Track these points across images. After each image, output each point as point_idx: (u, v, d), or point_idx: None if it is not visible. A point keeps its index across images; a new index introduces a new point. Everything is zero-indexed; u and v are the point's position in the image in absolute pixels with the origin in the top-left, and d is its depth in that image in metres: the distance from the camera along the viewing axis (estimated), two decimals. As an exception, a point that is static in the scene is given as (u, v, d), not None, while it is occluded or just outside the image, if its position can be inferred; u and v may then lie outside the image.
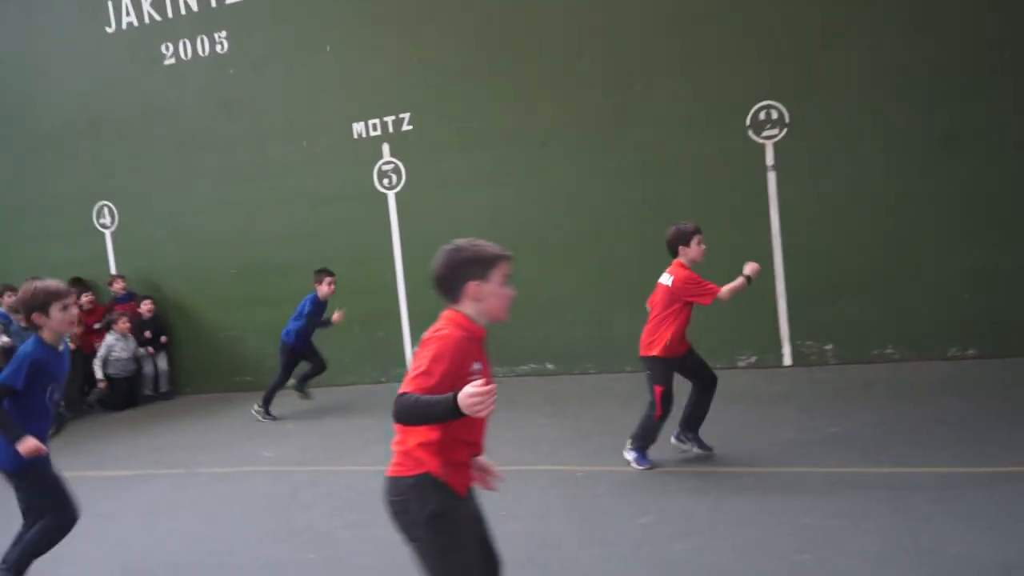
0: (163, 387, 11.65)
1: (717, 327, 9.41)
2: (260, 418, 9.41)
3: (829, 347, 9.17)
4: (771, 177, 9.19)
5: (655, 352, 6.17)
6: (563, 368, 10.14)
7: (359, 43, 10.52)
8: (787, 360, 9.32)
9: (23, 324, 4.88)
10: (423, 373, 2.89)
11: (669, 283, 6.23)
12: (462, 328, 3.03)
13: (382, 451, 6.87)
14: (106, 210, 12.09)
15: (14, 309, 7.88)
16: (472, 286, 3.08)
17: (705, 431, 6.57)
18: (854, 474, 5.66)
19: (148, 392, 11.52)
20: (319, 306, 9.27)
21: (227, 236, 11.38)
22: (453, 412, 2.75)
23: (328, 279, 9.21)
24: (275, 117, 10.94)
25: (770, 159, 9.17)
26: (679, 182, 9.43)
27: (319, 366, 9.58)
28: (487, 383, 2.76)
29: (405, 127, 10.45)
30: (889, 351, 8.93)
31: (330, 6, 10.60)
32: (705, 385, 6.40)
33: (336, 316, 9.32)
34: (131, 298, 11.71)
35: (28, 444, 4.40)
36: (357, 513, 5.89)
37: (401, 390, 2.88)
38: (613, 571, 4.62)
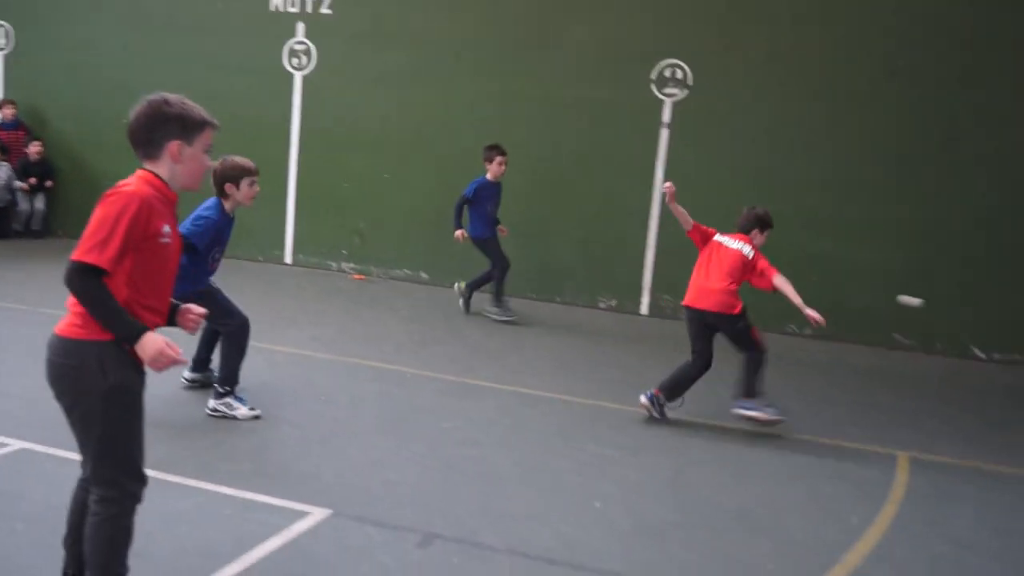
0: (35, 226, 11.46)
1: (584, 269, 9.82)
2: (499, 318, 8.66)
3: (684, 304, 9.63)
4: (664, 134, 9.48)
5: (737, 311, 5.95)
6: (435, 279, 10.38)
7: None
8: (644, 310, 9.76)
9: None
10: (101, 242, 2.72)
11: (750, 256, 6.08)
12: (153, 187, 2.90)
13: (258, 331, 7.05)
14: (1, 30, 11.64)
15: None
16: (175, 145, 2.93)
17: (536, 354, 6.94)
18: (653, 422, 6.10)
19: (18, 228, 11.32)
20: (489, 190, 8.50)
21: (124, 84, 11.05)
22: (128, 341, 2.74)
23: (499, 158, 8.36)
24: (192, -29, 10.66)
25: (666, 116, 9.45)
26: (578, 121, 9.64)
27: (499, 267, 8.60)
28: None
29: (324, 10, 10.33)
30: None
31: None
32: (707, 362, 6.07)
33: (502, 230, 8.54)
34: (17, 126, 11.41)
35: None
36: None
37: (77, 258, 2.71)
38: (402, 462, 4.95)
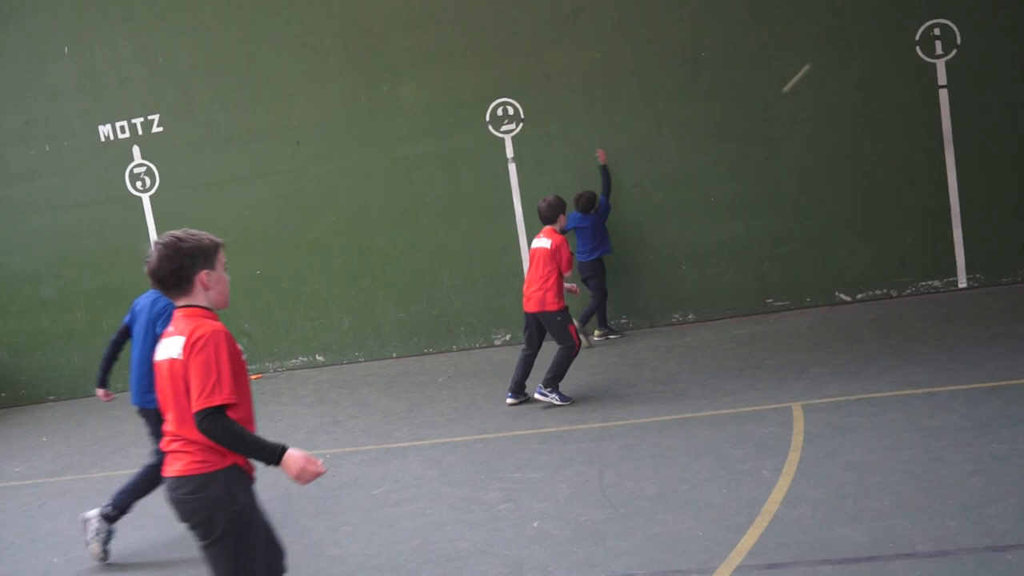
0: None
1: (472, 310, 10.12)
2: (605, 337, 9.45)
3: (574, 321, 10.03)
4: (512, 168, 9.93)
5: (553, 308, 7.10)
6: (332, 359, 10.47)
7: (100, 43, 10.31)
8: (536, 336, 10.10)
9: None
10: (216, 382, 2.96)
11: (548, 246, 7.13)
12: (214, 318, 3.14)
13: (136, 454, 6.97)
14: None
15: None
16: (203, 275, 3.15)
17: (447, 404, 7.19)
18: (565, 432, 6.42)
19: None
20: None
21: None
22: (274, 462, 3.03)
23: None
24: (12, 121, 10.52)
25: (510, 151, 9.91)
26: (429, 175, 9.99)
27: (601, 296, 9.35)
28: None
29: (156, 128, 10.38)
30: (623, 321, 9.92)
31: (66, 7, 10.30)
32: (535, 352, 7.37)
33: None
34: None
35: None
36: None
37: (205, 405, 2.94)
38: (341, 537, 5.08)
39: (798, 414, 6.03)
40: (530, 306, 7.27)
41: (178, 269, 3.12)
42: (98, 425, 9.19)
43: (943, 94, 9.17)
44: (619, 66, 9.56)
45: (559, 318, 7.16)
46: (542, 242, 7.26)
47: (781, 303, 9.60)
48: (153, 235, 10.57)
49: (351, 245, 10.24)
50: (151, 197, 10.54)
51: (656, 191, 9.66)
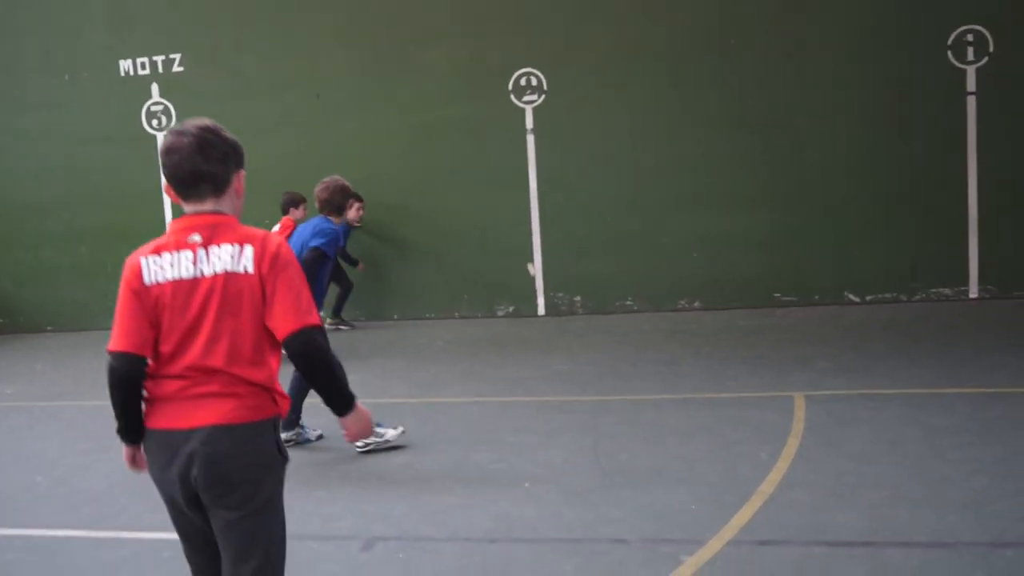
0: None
1: (477, 279, 10.05)
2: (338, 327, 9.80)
3: (578, 299, 9.97)
4: (530, 140, 9.82)
5: None
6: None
7: (129, -21, 10.22)
8: (541, 310, 10.05)
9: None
10: (310, 304, 2.53)
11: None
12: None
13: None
14: None
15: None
16: (241, 176, 2.67)
17: (445, 367, 7.12)
18: (562, 402, 6.36)
19: None
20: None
21: (-20, 169, 10.78)
22: (349, 409, 2.60)
23: (357, 204, 9.25)
24: (33, 49, 10.43)
25: (530, 123, 9.80)
26: (447, 140, 9.88)
27: (347, 286, 9.81)
28: None
29: (176, 68, 10.28)
30: (628, 303, 9.84)
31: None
32: None
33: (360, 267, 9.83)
34: None
35: None
36: (90, 442, 5.98)
37: (306, 323, 2.47)
38: (330, 481, 5.03)
39: (800, 403, 5.95)
40: None
41: (221, 161, 2.58)
42: (93, 357, 9.13)
43: (971, 101, 9.04)
44: (648, 46, 9.43)
45: None
46: None
47: (789, 298, 9.51)
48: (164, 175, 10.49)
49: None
50: (166, 136, 10.43)
51: (675, 176, 9.55)
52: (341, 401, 2.60)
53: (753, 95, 9.30)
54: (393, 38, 9.87)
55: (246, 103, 10.12)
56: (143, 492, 4.74)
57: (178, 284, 2.53)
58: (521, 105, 9.78)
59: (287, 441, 5.83)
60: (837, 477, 4.62)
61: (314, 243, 5.57)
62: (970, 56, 8.98)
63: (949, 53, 8.99)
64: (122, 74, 10.37)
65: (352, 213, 9.17)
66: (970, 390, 5.96)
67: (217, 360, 2.48)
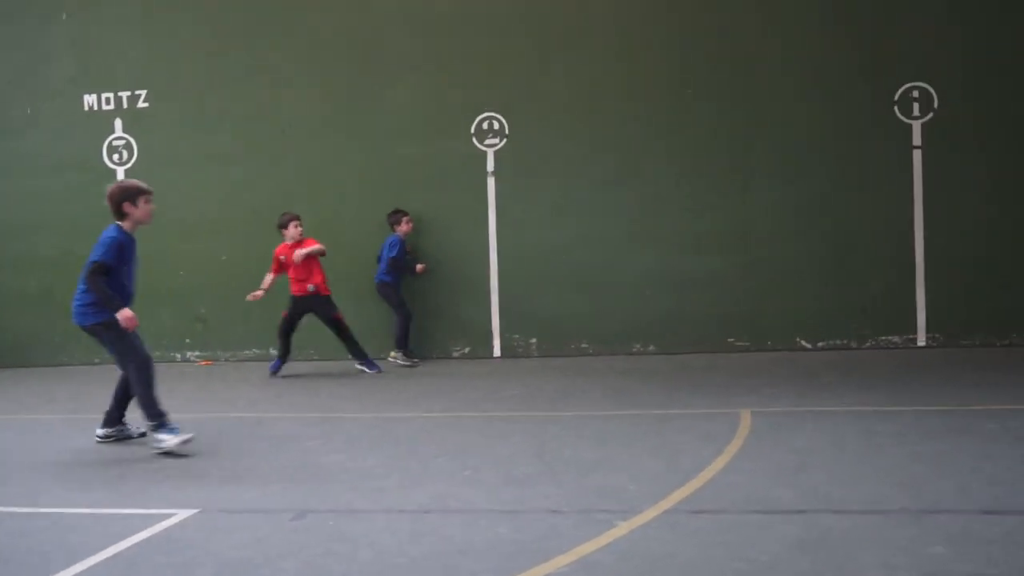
0: None
1: (435, 319, 10.03)
2: (403, 363, 9.52)
3: (534, 341, 9.97)
4: (491, 182, 9.97)
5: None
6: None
7: (97, 15, 10.37)
8: (496, 351, 10.01)
9: None
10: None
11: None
12: None
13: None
14: None
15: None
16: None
17: (396, 392, 7.02)
18: (511, 416, 6.31)
19: None
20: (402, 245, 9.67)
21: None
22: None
23: (406, 218, 9.60)
24: (-1, 78, 10.50)
25: (491, 165, 9.97)
26: (410, 178, 9.98)
27: (405, 314, 9.63)
28: None
29: (141, 104, 10.38)
30: (584, 345, 9.85)
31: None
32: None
33: (420, 268, 9.71)
34: None
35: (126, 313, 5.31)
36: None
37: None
38: (269, 471, 4.91)
39: (746, 417, 5.96)
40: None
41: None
42: (27, 393, 8.96)
43: (917, 154, 9.35)
44: (607, 91, 9.68)
45: None
46: None
47: (742, 343, 9.58)
48: (123, 209, 10.45)
49: (322, 241, 10.14)
50: (126, 171, 10.46)
51: (631, 218, 9.69)
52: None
53: (707, 139, 9.54)
54: (359, 76, 10.06)
55: (208, 137, 10.20)
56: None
57: None
58: (483, 148, 9.95)
59: (107, 437, 5.86)
60: (778, 465, 4.61)
61: (91, 257, 5.59)
62: (916, 111, 9.34)
63: (896, 108, 9.34)
64: (86, 108, 10.44)
65: (403, 227, 9.59)
66: (915, 407, 6.01)
67: None
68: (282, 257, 9.05)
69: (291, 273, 9.02)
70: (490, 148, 9.96)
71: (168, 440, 5.30)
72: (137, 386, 5.40)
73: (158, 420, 5.35)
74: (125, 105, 10.41)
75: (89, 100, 10.44)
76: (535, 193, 9.84)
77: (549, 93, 9.79)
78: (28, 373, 9.84)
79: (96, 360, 10.47)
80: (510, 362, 9.67)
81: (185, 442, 5.33)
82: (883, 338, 9.35)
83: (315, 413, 6.72)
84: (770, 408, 6.22)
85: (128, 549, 3.61)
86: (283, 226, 9.07)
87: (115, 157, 10.47)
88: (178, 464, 5.19)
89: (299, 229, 9.07)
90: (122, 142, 10.46)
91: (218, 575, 3.31)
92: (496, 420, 6.19)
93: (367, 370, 9.02)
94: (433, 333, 10.07)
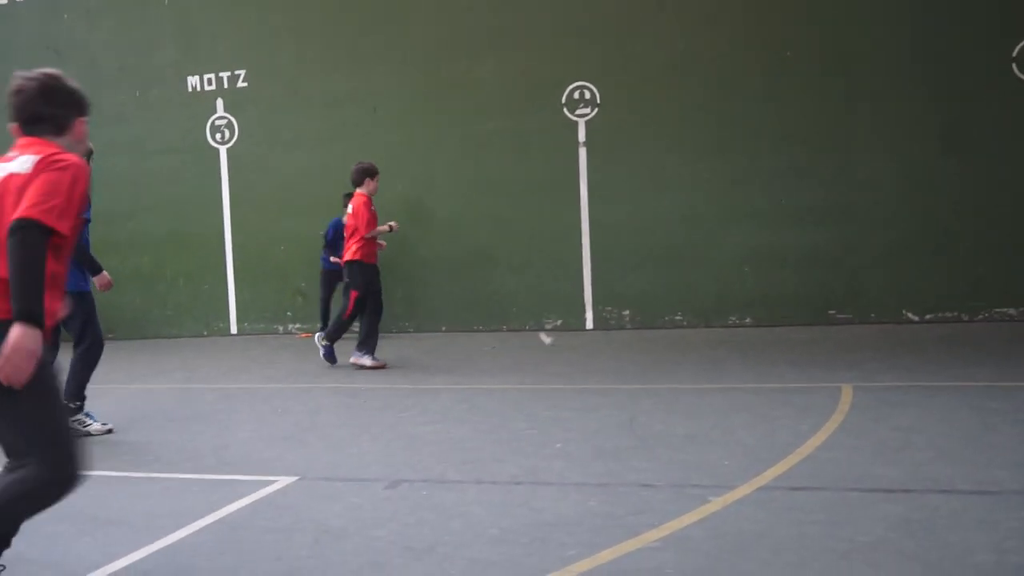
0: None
1: (526, 292, 10.04)
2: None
3: (627, 313, 9.88)
4: (582, 153, 9.88)
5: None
6: (381, 327, 10.44)
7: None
8: (589, 324, 9.97)
9: None
10: (60, 208, 2.54)
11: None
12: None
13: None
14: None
15: None
16: (81, 123, 2.85)
17: (489, 363, 7.07)
18: (602, 388, 6.27)
19: None
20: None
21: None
22: (35, 320, 2.49)
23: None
24: (107, 65, 10.91)
25: (582, 136, 9.87)
26: (497, 154, 9.99)
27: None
28: None
29: (240, 84, 10.65)
30: (678, 318, 9.71)
31: (172, -39, 10.72)
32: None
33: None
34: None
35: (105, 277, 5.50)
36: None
37: (34, 214, 2.50)
38: (364, 441, 5.01)
39: (848, 392, 5.76)
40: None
41: (60, 104, 2.81)
42: (149, 361, 9.35)
43: (1035, 115, 8.84)
44: (700, 59, 9.46)
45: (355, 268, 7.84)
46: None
47: (844, 316, 9.28)
48: (226, 185, 10.80)
49: (413, 216, 10.26)
50: (228, 150, 10.78)
51: (726, 190, 9.47)
52: (17, 306, 2.50)
53: (806, 109, 9.22)
54: (447, 53, 10.08)
55: (303, 116, 10.41)
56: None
57: None
58: (574, 118, 9.86)
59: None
60: (881, 442, 4.45)
61: None
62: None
63: (1013, 65, 8.83)
64: (189, 90, 10.78)
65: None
66: (1029, 383, 5.71)
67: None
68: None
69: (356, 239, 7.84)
70: (581, 118, 9.86)
71: (92, 425, 5.41)
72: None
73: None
74: (226, 85, 10.70)
75: (192, 82, 10.77)
76: (627, 164, 9.70)
77: (641, 61, 9.61)
78: (142, 345, 10.29)
79: (205, 332, 10.90)
80: (602, 334, 9.61)
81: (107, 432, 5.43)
82: (997, 310, 8.91)
83: (408, 384, 6.82)
84: (873, 383, 6.00)
85: (232, 514, 3.74)
86: (372, 176, 7.99)
87: (218, 136, 10.79)
88: (280, 433, 5.34)
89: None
90: (224, 121, 10.77)
91: (317, 541, 3.40)
92: (587, 392, 6.16)
93: (325, 354, 7.92)
94: (526, 306, 10.08)
